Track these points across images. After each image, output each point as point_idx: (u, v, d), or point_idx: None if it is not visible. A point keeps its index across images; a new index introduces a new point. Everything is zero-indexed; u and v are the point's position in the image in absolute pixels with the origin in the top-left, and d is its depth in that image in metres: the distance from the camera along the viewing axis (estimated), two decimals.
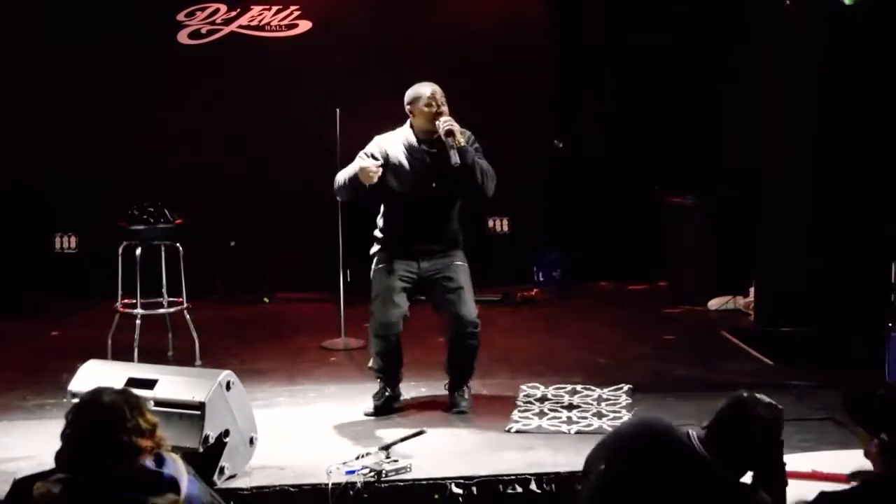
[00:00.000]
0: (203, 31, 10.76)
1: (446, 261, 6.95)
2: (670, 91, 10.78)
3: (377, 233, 7.04)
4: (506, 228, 11.20)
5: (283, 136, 10.52)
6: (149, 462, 3.94)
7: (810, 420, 6.50)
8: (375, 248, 7.03)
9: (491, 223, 11.16)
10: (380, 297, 6.87)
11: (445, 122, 6.69)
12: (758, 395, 4.22)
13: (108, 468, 3.87)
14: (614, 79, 10.99)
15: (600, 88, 11.01)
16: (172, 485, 3.93)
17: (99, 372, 5.87)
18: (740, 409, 4.17)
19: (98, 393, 4.07)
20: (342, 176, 6.96)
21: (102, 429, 3.90)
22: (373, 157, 6.86)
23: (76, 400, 4.11)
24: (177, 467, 4.02)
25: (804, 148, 8.81)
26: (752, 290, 9.58)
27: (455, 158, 6.59)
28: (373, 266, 7.01)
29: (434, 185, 6.80)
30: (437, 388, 7.42)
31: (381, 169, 6.75)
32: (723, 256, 10.00)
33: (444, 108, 6.80)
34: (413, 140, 6.88)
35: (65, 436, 3.95)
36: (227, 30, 10.78)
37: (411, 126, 6.92)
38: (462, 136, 6.70)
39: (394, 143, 6.90)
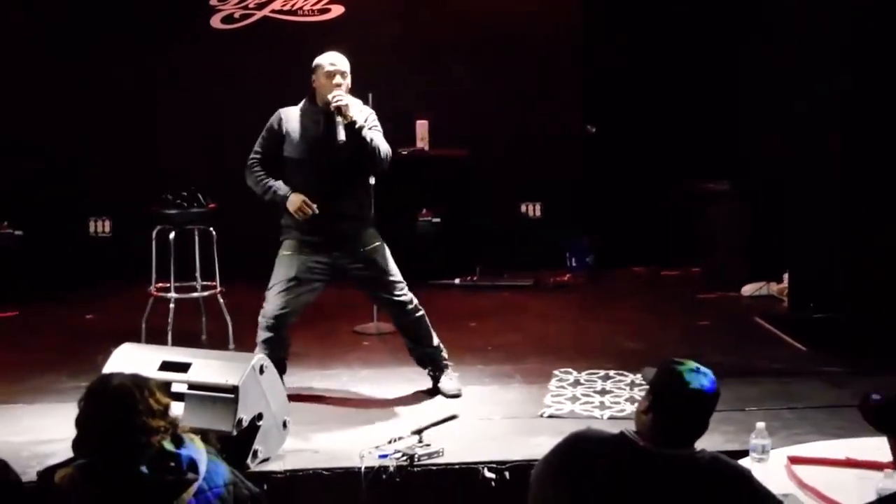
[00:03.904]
0: (236, 15, 10.77)
1: (357, 245, 6.81)
2: (702, 76, 10.72)
3: (283, 218, 6.85)
4: (538, 213, 11.18)
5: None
6: (167, 444, 3.96)
7: (844, 407, 6.45)
8: (283, 233, 6.88)
9: (523, 208, 11.14)
10: (276, 286, 6.74)
11: (335, 98, 6.61)
12: (684, 362, 4.01)
13: (124, 451, 3.89)
14: (647, 63, 10.92)
15: (633, 72, 10.95)
16: (191, 465, 3.95)
17: (133, 355, 5.89)
18: (678, 380, 3.94)
19: (107, 378, 4.10)
20: (258, 186, 6.82)
21: (114, 412, 3.92)
22: (269, 130, 6.83)
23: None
24: (195, 448, 4.04)
25: (832, 133, 8.75)
26: (785, 276, 9.54)
27: (341, 136, 6.57)
28: (279, 251, 6.86)
29: (325, 152, 6.68)
30: (469, 372, 7.44)
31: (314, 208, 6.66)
32: (757, 242, 9.97)
33: (346, 81, 6.74)
34: (309, 107, 6.82)
35: (79, 423, 3.98)
36: (259, 14, 10.79)
37: (312, 93, 6.84)
38: (351, 111, 6.62)
39: (292, 113, 6.83)
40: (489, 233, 10.79)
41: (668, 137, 10.83)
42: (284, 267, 6.76)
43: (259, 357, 5.84)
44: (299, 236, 6.77)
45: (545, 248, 10.83)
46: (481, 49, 10.79)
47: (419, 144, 10.64)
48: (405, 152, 10.51)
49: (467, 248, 10.62)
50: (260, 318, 6.72)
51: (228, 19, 10.76)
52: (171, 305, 7.96)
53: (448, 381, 7.04)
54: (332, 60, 6.77)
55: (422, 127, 10.63)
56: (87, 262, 10.46)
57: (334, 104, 6.61)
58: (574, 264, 10.89)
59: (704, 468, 3.86)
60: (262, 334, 6.66)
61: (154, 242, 8.09)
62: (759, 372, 7.39)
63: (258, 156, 6.86)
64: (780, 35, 9.42)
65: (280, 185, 6.74)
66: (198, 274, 8.20)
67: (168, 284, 8.07)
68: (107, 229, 10.85)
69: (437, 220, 10.58)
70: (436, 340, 7.07)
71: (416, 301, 6.97)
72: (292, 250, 6.79)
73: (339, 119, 6.60)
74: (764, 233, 9.86)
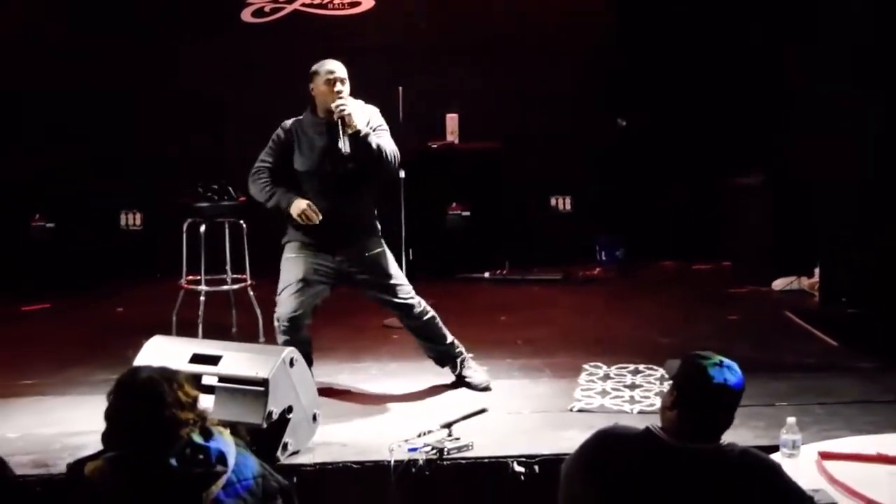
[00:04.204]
0: (266, 9, 10.79)
1: (360, 250, 6.78)
2: (735, 69, 10.68)
3: (287, 222, 6.84)
4: (568, 207, 11.17)
5: None
6: (196, 436, 3.97)
7: (876, 402, 6.44)
8: (286, 236, 6.86)
9: (553, 202, 11.14)
10: (286, 289, 6.70)
11: (339, 108, 6.53)
12: (708, 356, 3.99)
13: (153, 443, 3.90)
14: (678, 57, 10.89)
15: (664, 66, 10.92)
16: (220, 458, 3.96)
17: (163, 348, 5.91)
18: (702, 374, 3.92)
19: (136, 371, 4.12)
20: (262, 192, 6.78)
21: (143, 405, 3.93)
22: (274, 142, 6.81)
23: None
24: (224, 441, 4.05)
25: (865, 127, 8.70)
26: (816, 270, 9.50)
27: (345, 148, 6.53)
28: (283, 254, 6.83)
29: (332, 162, 6.64)
30: (499, 366, 7.44)
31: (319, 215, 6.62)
32: (787, 236, 9.92)
33: (345, 88, 6.68)
34: (311, 117, 6.78)
35: (108, 416, 3.99)
36: (290, 8, 10.81)
37: (312, 103, 6.81)
38: (357, 119, 6.54)
39: (295, 124, 6.80)
40: (519, 227, 10.78)
41: (698, 131, 10.79)
42: (291, 269, 6.72)
43: (289, 350, 5.85)
44: (302, 237, 6.74)
45: (575, 242, 10.82)
46: (512, 42, 10.78)
47: (449, 138, 10.65)
48: (435, 146, 10.53)
49: (497, 241, 10.63)
50: (275, 323, 6.69)
51: (259, 13, 10.79)
52: (202, 298, 7.98)
53: (475, 374, 7.04)
54: (330, 68, 6.70)
55: (451, 120, 10.64)
56: (118, 255, 10.52)
57: (338, 114, 6.55)
58: (604, 258, 10.88)
59: (733, 462, 3.86)
60: (281, 338, 6.62)
61: (185, 235, 8.11)
62: (790, 367, 7.36)
63: (265, 164, 6.80)
64: (823, 33, 9.34)
65: (283, 191, 6.68)
66: (228, 267, 8.23)
67: (198, 277, 8.09)
68: (138, 222, 10.90)
69: (467, 213, 10.58)
70: (449, 338, 7.04)
71: (423, 303, 6.95)
72: (296, 252, 6.75)
73: (342, 129, 6.55)
74: (795, 227, 9.81)
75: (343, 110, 6.52)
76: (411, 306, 6.88)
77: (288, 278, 6.70)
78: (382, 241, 6.91)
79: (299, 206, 6.58)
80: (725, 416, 3.95)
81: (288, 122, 6.84)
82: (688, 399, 3.92)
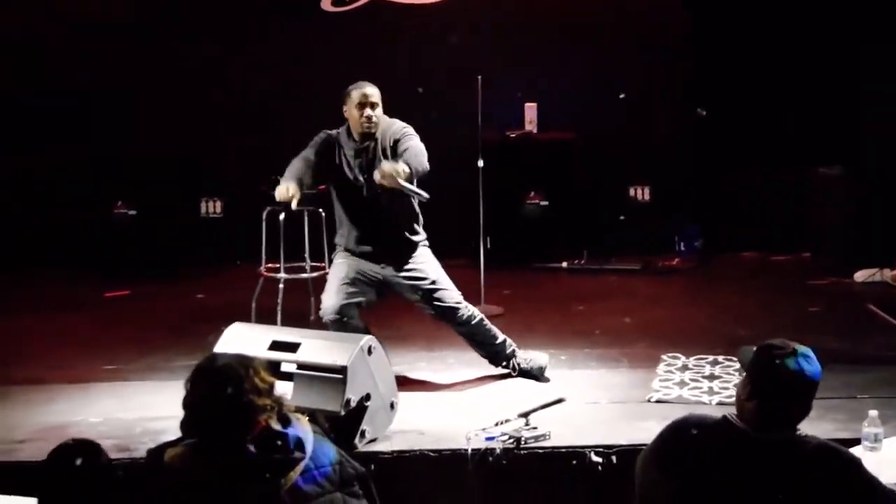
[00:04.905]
0: None
1: (403, 258, 6.85)
2: (814, 58, 10.55)
3: (337, 232, 7.05)
4: (647, 197, 11.10)
5: (423, 102, 10.52)
6: (274, 423, 3.99)
7: None
8: (335, 244, 7.05)
9: (632, 192, 11.07)
10: (331, 286, 6.80)
11: (382, 178, 6.47)
12: (782, 346, 3.98)
13: (232, 430, 3.93)
14: (760, 45, 10.78)
15: (745, 54, 10.82)
16: (298, 444, 3.99)
17: (243, 335, 5.96)
18: (775, 364, 3.92)
19: (212, 358, 4.15)
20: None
21: (221, 391, 3.95)
22: (315, 146, 6.91)
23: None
24: (302, 428, 4.07)
25: None
26: None
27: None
28: (334, 258, 7.04)
29: (368, 188, 6.74)
30: (576, 356, 7.44)
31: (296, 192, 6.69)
32: (869, 227, 9.80)
33: (376, 112, 6.75)
34: (348, 140, 6.87)
35: (186, 404, 4.03)
36: None
37: (347, 123, 6.89)
38: (399, 173, 6.46)
39: (335, 140, 6.90)
40: (597, 216, 10.74)
41: (779, 121, 10.68)
42: (336, 271, 6.86)
43: (368, 338, 5.88)
44: (349, 245, 6.88)
45: (654, 232, 10.76)
46: (591, 30, 10.72)
47: (527, 127, 10.62)
48: (513, 135, 10.51)
49: (575, 231, 10.59)
50: (323, 318, 6.76)
51: (339, 2, 10.81)
52: (281, 286, 8.02)
53: (532, 362, 7.01)
54: (364, 91, 6.78)
55: (530, 110, 10.61)
56: (198, 243, 10.60)
57: (380, 183, 6.52)
58: (683, 249, 10.80)
59: (810, 454, 3.84)
60: (333, 328, 6.66)
61: (264, 223, 8.15)
62: (872, 359, 7.27)
63: (301, 155, 6.94)
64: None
65: (287, 177, 6.79)
66: (307, 254, 8.25)
67: (278, 265, 8.14)
68: (218, 210, 10.98)
69: (545, 203, 10.55)
70: (500, 337, 7.00)
71: (470, 307, 6.92)
72: (345, 257, 6.90)
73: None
74: (877, 218, 9.69)
75: (383, 179, 6.48)
76: (455, 310, 6.86)
77: (332, 278, 6.85)
78: (425, 246, 6.98)
79: (280, 190, 6.71)
80: (800, 406, 3.93)
81: (326, 135, 6.97)
82: (761, 388, 3.92)
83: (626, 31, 10.75)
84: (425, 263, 6.89)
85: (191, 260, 10.39)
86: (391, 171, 6.40)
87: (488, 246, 8.92)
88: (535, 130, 10.63)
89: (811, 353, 3.96)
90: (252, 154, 10.34)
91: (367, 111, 6.74)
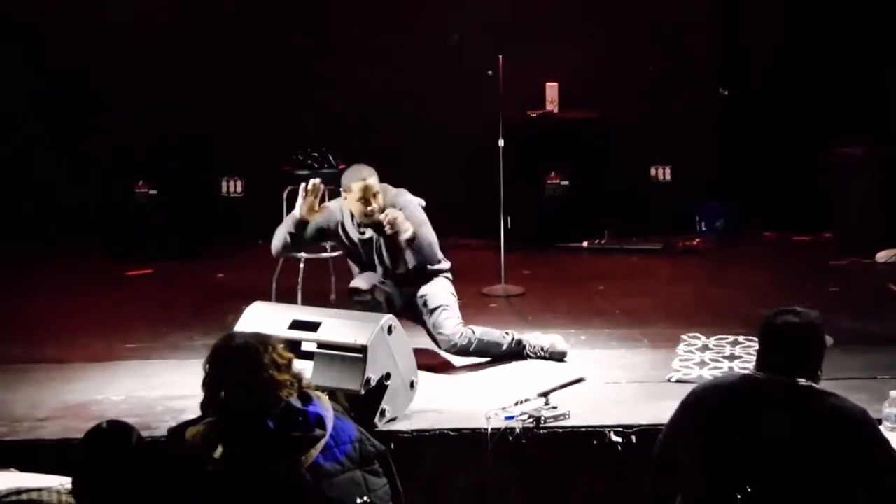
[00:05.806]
0: None
1: (418, 285, 6.91)
2: (839, 38, 10.50)
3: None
4: (668, 177, 11.07)
5: (444, 81, 10.51)
6: (294, 400, 4.01)
7: None
8: None
9: (653, 171, 11.03)
10: (361, 274, 6.96)
11: (385, 222, 6.58)
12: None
13: (252, 407, 3.95)
14: (784, 25, 10.73)
15: (769, 34, 10.77)
16: (318, 422, 4.00)
17: (263, 314, 5.98)
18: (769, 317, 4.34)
19: (230, 337, 4.20)
20: (278, 233, 7.00)
21: (240, 368, 3.99)
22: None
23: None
24: (322, 405, 4.09)
25: None
26: None
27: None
28: None
29: (377, 251, 6.85)
30: (597, 336, 7.44)
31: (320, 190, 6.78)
32: (892, 208, 9.75)
33: (377, 200, 6.71)
34: (349, 219, 6.90)
35: (205, 384, 4.05)
36: None
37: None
38: (402, 235, 6.62)
39: (338, 213, 6.94)
40: (618, 196, 10.70)
41: (801, 101, 10.63)
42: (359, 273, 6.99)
43: (388, 317, 5.90)
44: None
45: (675, 211, 10.72)
46: (613, 9, 10.68)
47: (548, 107, 10.58)
48: (534, 115, 10.48)
49: (596, 211, 10.56)
50: (352, 296, 6.82)
51: None
52: (301, 265, 8.04)
53: (543, 350, 6.98)
54: (366, 184, 6.71)
55: (551, 89, 10.57)
56: (219, 222, 10.61)
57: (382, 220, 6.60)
58: (704, 228, 10.76)
59: (827, 404, 4.12)
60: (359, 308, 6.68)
61: (285, 202, 8.17)
62: (893, 340, 7.24)
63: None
64: None
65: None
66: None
67: None
68: (239, 189, 10.98)
69: (566, 182, 10.52)
70: (503, 341, 6.94)
71: (466, 333, 6.81)
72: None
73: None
74: None
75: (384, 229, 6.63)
76: (448, 340, 6.79)
77: (356, 271, 7.00)
78: (446, 276, 7.02)
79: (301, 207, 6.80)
80: (798, 352, 4.24)
81: (333, 205, 7.01)
82: (762, 343, 4.34)
83: (648, 10, 10.70)
84: (435, 290, 6.90)
85: (211, 239, 10.39)
86: (393, 218, 6.53)
87: (509, 226, 8.91)
88: (556, 110, 10.59)
89: (808, 311, 4.35)
90: (273, 133, 10.35)
91: (372, 205, 6.70)
